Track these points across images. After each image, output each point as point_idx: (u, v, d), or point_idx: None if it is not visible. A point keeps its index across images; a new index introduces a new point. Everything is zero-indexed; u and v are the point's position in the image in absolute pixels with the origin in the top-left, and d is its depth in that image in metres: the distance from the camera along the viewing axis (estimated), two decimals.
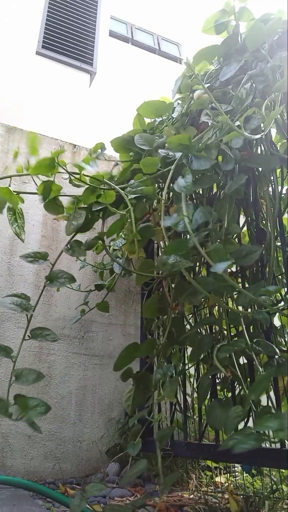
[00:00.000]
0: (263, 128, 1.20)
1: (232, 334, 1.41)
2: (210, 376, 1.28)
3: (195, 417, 1.73)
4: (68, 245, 1.41)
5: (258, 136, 1.15)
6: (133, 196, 1.26)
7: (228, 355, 1.15)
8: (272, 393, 1.21)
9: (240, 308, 1.18)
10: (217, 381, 1.44)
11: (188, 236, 1.09)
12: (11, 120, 2.53)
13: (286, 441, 1.15)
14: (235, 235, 1.47)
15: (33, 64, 3.84)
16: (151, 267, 1.44)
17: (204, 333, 1.55)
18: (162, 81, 3.74)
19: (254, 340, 1.10)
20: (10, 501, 1.04)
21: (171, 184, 1.26)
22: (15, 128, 2.35)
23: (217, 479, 1.67)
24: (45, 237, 2.16)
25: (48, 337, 1.25)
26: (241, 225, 1.58)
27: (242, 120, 1.17)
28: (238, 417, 0.97)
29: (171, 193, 1.44)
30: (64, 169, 1.28)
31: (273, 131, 1.49)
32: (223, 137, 1.19)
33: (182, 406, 1.60)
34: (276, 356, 1.09)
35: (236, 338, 1.32)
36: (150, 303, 1.42)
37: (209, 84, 1.49)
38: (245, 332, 1.11)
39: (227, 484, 1.61)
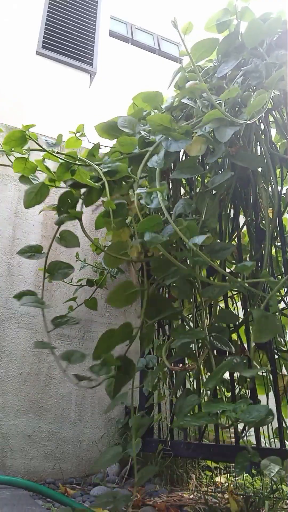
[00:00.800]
0: (264, 127, 1.21)
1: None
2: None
3: None
4: (59, 235, 1.37)
5: (242, 121, 1.14)
6: (106, 170, 1.23)
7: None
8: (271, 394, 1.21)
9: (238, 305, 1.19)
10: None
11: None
12: (11, 120, 2.53)
13: (286, 441, 1.15)
14: (237, 234, 1.48)
15: (33, 64, 3.84)
16: (124, 249, 1.32)
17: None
18: (162, 81, 3.74)
19: (213, 334, 1.12)
20: (10, 501, 1.04)
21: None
22: (15, 128, 2.35)
23: (217, 479, 1.67)
24: (45, 237, 2.16)
25: (69, 322, 1.26)
26: (240, 225, 1.58)
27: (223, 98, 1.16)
28: (191, 404, 1.02)
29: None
30: (35, 142, 1.26)
31: (273, 132, 1.49)
32: (206, 124, 1.18)
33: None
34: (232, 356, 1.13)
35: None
36: (116, 290, 1.22)
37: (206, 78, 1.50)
38: (205, 325, 1.15)
39: (227, 484, 1.61)
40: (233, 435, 1.35)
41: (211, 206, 1.26)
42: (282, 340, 1.46)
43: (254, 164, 1.29)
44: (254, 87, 1.30)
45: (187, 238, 1.00)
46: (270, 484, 1.44)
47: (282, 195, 1.47)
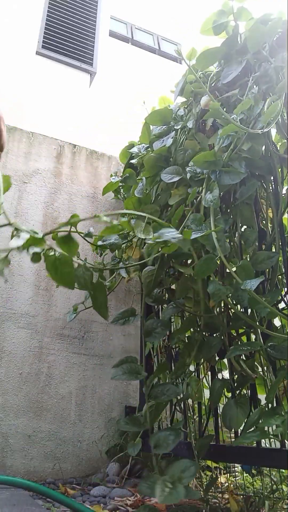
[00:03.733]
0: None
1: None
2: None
3: (195, 417, 1.73)
4: None
5: (259, 131, 1.16)
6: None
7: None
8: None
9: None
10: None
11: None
12: (11, 120, 2.53)
13: (286, 441, 1.15)
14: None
15: (33, 64, 3.84)
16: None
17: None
18: (162, 81, 3.74)
19: (269, 344, 1.10)
20: (10, 501, 1.04)
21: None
22: (15, 128, 2.35)
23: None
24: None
25: None
26: None
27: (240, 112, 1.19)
28: (258, 419, 1.00)
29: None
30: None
31: (273, 131, 1.49)
32: (242, 146, 1.21)
33: (182, 406, 1.60)
34: None
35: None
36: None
37: (212, 85, 1.50)
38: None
39: (227, 484, 1.61)
40: (233, 435, 1.35)
41: (247, 217, 1.31)
42: None
43: (269, 173, 1.33)
44: (263, 91, 1.31)
45: (241, 278, 1.03)
46: (270, 484, 1.44)
47: (283, 195, 1.47)
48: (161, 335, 1.35)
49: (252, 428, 1.00)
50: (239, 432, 1.29)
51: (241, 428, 1.14)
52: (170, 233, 0.93)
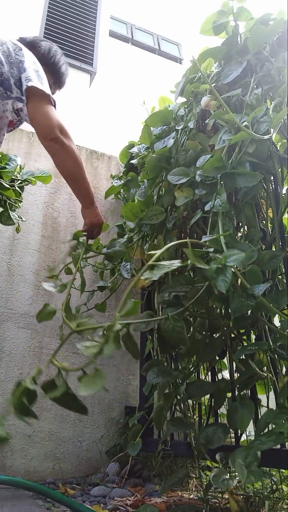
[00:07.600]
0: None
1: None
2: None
3: (195, 417, 1.73)
4: None
5: (267, 136, 1.16)
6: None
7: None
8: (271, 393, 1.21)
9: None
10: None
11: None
12: None
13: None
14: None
15: None
16: None
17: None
18: (162, 81, 3.74)
19: (278, 344, 1.09)
20: (10, 501, 1.04)
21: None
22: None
23: None
24: (45, 237, 2.16)
25: None
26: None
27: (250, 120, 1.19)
28: (266, 419, 0.99)
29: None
30: None
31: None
32: (247, 148, 1.21)
33: (182, 406, 1.60)
34: None
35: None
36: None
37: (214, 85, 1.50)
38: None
39: None
40: (233, 435, 1.35)
41: (249, 217, 1.30)
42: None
43: (269, 173, 1.33)
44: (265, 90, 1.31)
45: (250, 282, 1.03)
46: (270, 484, 1.44)
47: (283, 195, 1.47)
48: (150, 325, 1.34)
49: (266, 430, 0.99)
50: (239, 432, 1.29)
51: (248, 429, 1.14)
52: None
